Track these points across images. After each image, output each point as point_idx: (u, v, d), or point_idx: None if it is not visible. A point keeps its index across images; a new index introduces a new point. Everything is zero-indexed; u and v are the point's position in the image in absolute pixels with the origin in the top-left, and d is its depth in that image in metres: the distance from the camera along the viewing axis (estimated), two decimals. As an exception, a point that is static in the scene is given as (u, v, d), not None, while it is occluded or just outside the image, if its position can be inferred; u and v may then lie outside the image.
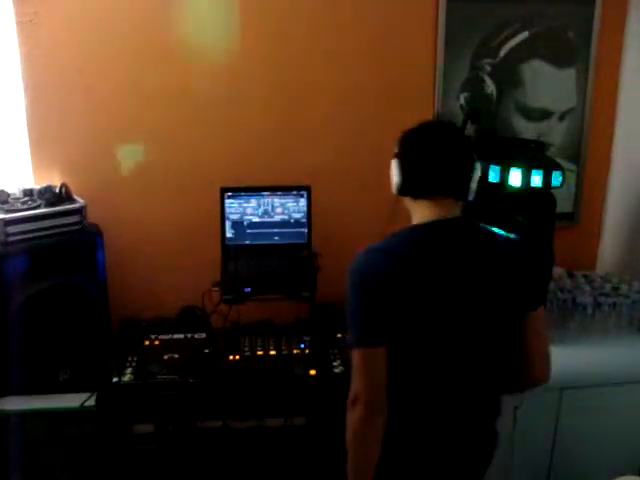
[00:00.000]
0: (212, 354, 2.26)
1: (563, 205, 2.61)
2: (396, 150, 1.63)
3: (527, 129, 2.69)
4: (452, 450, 1.63)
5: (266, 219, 2.45)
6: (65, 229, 2.20)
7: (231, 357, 2.25)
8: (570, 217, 2.80)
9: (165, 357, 2.24)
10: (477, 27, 2.56)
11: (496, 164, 2.23)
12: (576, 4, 2.60)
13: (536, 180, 2.19)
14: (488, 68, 2.61)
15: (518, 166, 2.19)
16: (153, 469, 2.46)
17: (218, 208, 2.41)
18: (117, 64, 2.39)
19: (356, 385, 1.49)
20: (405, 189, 1.60)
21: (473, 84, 2.62)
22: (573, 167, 2.75)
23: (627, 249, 2.75)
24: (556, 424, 2.32)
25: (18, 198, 2.25)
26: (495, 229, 1.72)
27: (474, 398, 1.62)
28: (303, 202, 2.44)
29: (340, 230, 2.57)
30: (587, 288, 2.48)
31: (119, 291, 2.41)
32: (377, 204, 2.63)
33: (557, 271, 2.55)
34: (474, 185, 1.61)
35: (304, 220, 2.45)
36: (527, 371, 1.65)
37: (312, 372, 2.19)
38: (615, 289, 2.48)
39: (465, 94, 2.62)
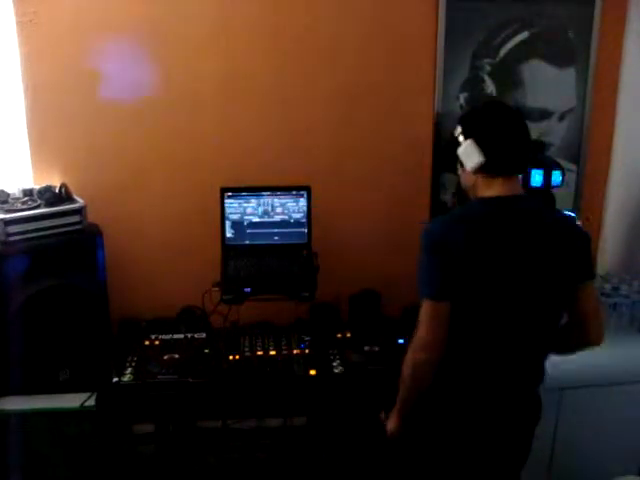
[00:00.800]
0: (212, 354, 2.26)
1: (563, 205, 2.61)
2: (465, 129, 1.70)
3: (527, 129, 2.69)
4: (498, 404, 1.73)
5: (266, 219, 2.45)
6: (65, 229, 2.20)
7: (231, 357, 2.25)
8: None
9: (165, 357, 2.24)
10: (477, 27, 2.56)
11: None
12: (576, 4, 2.60)
13: (536, 180, 2.20)
14: (488, 68, 2.61)
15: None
16: (153, 469, 2.46)
17: (218, 208, 2.41)
18: (117, 64, 2.39)
19: (420, 331, 1.64)
20: (488, 167, 1.67)
21: (473, 84, 2.62)
22: (573, 167, 2.75)
23: (627, 249, 2.75)
24: (556, 424, 2.32)
25: (18, 198, 2.25)
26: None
27: (525, 357, 1.74)
28: (303, 202, 2.44)
29: (340, 230, 2.57)
30: (587, 288, 2.48)
31: (119, 291, 2.41)
32: (377, 204, 2.65)
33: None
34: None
35: (304, 220, 2.45)
36: (584, 332, 1.76)
37: (312, 372, 2.19)
38: (615, 289, 2.49)
39: (465, 94, 2.62)
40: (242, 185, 2.44)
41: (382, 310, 2.54)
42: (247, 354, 2.27)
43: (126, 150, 2.47)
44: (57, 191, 2.24)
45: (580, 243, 1.71)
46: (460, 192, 1.92)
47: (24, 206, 2.17)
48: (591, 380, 2.29)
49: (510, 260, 1.63)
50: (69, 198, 2.26)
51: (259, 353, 2.28)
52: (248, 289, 2.29)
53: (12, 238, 2.11)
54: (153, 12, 2.37)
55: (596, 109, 2.71)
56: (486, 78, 2.62)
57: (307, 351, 2.30)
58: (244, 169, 2.52)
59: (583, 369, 2.30)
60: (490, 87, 2.63)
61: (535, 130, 2.69)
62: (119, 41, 2.37)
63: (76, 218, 2.23)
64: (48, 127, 2.40)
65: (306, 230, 2.45)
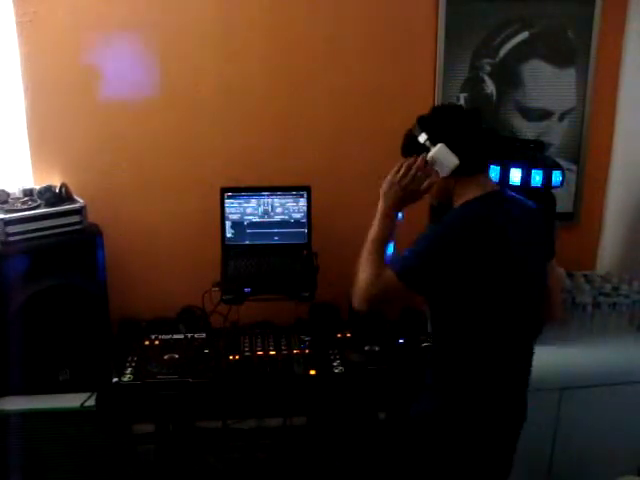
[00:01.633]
0: (212, 354, 2.26)
1: (563, 205, 2.61)
2: (431, 136, 1.69)
3: (527, 129, 2.69)
4: (501, 403, 1.73)
5: (266, 219, 2.45)
6: (65, 229, 2.20)
7: (231, 357, 2.24)
8: (570, 217, 2.80)
9: (165, 357, 2.24)
10: (477, 27, 2.56)
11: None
12: (576, 4, 2.60)
13: (536, 180, 2.20)
14: (488, 68, 2.61)
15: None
16: (153, 469, 2.46)
17: (218, 208, 2.41)
18: (117, 64, 2.39)
19: (376, 290, 1.67)
20: (465, 167, 1.67)
21: (473, 84, 2.62)
22: (573, 167, 2.75)
23: (627, 249, 2.75)
24: (556, 424, 2.32)
25: (18, 198, 2.25)
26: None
27: (524, 353, 1.77)
28: (303, 202, 2.44)
29: (340, 230, 2.57)
30: (587, 288, 2.48)
31: (119, 291, 2.41)
32: (377, 204, 2.64)
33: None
34: None
35: (304, 220, 2.45)
36: (549, 308, 1.83)
37: (312, 372, 2.18)
38: (615, 289, 2.48)
39: (465, 94, 2.62)
40: (242, 185, 2.44)
41: (382, 310, 2.54)
42: (247, 354, 2.27)
43: (126, 150, 2.47)
44: (57, 191, 2.24)
45: (548, 223, 1.82)
46: (436, 207, 1.91)
47: (24, 206, 2.18)
48: (591, 380, 2.29)
49: (517, 256, 1.64)
50: (69, 198, 2.26)
51: (259, 353, 2.28)
52: (248, 289, 2.29)
53: (12, 238, 2.11)
54: (153, 12, 2.37)
55: (596, 109, 2.71)
56: (486, 78, 2.62)
57: (307, 351, 2.30)
58: (244, 169, 2.52)
59: (583, 369, 2.31)
60: (490, 87, 2.63)
61: (535, 130, 2.70)
62: (119, 41, 2.37)
63: (76, 218, 2.23)
64: (48, 127, 2.41)
65: (306, 230, 2.45)
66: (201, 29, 2.42)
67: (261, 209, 2.44)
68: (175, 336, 2.38)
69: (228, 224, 2.43)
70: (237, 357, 2.25)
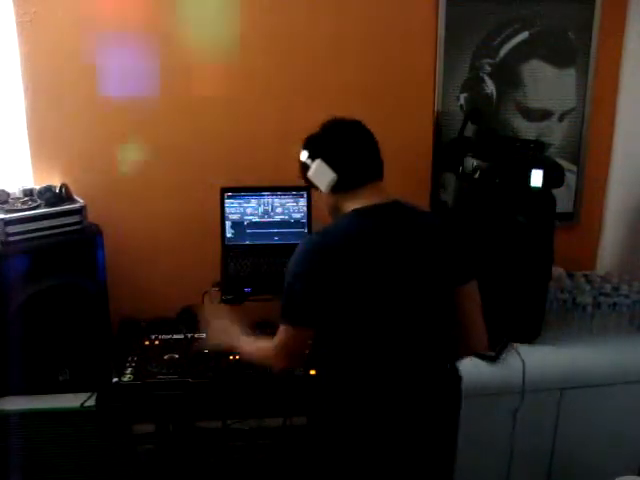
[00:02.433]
0: (212, 354, 2.26)
1: (563, 205, 2.61)
2: (310, 153, 1.69)
3: (527, 129, 2.69)
4: (395, 416, 1.66)
5: (266, 219, 2.45)
6: (65, 229, 2.20)
7: (231, 357, 2.24)
8: (570, 217, 2.80)
9: (165, 357, 2.24)
10: (477, 27, 2.56)
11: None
12: (576, 4, 2.60)
13: (536, 180, 2.19)
14: (488, 68, 2.61)
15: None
16: (153, 469, 2.46)
17: (218, 208, 2.41)
18: (117, 64, 2.39)
19: (276, 349, 1.68)
20: (343, 184, 1.66)
21: (473, 84, 2.62)
22: (573, 167, 2.75)
23: (627, 249, 2.75)
24: (556, 424, 2.32)
25: (18, 198, 2.25)
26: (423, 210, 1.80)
27: (413, 369, 1.68)
28: (303, 202, 2.44)
29: (340, 230, 2.57)
30: (587, 288, 2.48)
31: (119, 291, 2.40)
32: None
33: (557, 271, 2.55)
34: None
35: (304, 220, 2.45)
36: (466, 341, 1.75)
37: (312, 372, 2.18)
38: (615, 289, 2.48)
39: (465, 94, 2.62)
40: (242, 185, 2.44)
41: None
42: (247, 354, 2.27)
43: (126, 150, 2.47)
44: (57, 191, 2.24)
45: (456, 243, 1.70)
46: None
47: (24, 206, 2.17)
48: (591, 380, 2.29)
49: (382, 271, 1.60)
50: (69, 198, 2.26)
51: (259, 353, 2.27)
52: (248, 289, 2.29)
53: (12, 238, 2.10)
54: (153, 13, 2.37)
55: (596, 109, 2.71)
56: (486, 78, 2.62)
57: (307, 351, 2.30)
58: (244, 169, 2.52)
59: (583, 369, 2.31)
60: (490, 87, 2.63)
61: (535, 130, 2.70)
62: (119, 41, 2.37)
63: (76, 218, 2.22)
64: (48, 127, 2.40)
65: (306, 230, 2.45)
66: (202, 28, 2.41)
67: (261, 209, 2.44)
68: (175, 336, 2.38)
69: (228, 224, 2.43)
70: (237, 357, 2.25)
